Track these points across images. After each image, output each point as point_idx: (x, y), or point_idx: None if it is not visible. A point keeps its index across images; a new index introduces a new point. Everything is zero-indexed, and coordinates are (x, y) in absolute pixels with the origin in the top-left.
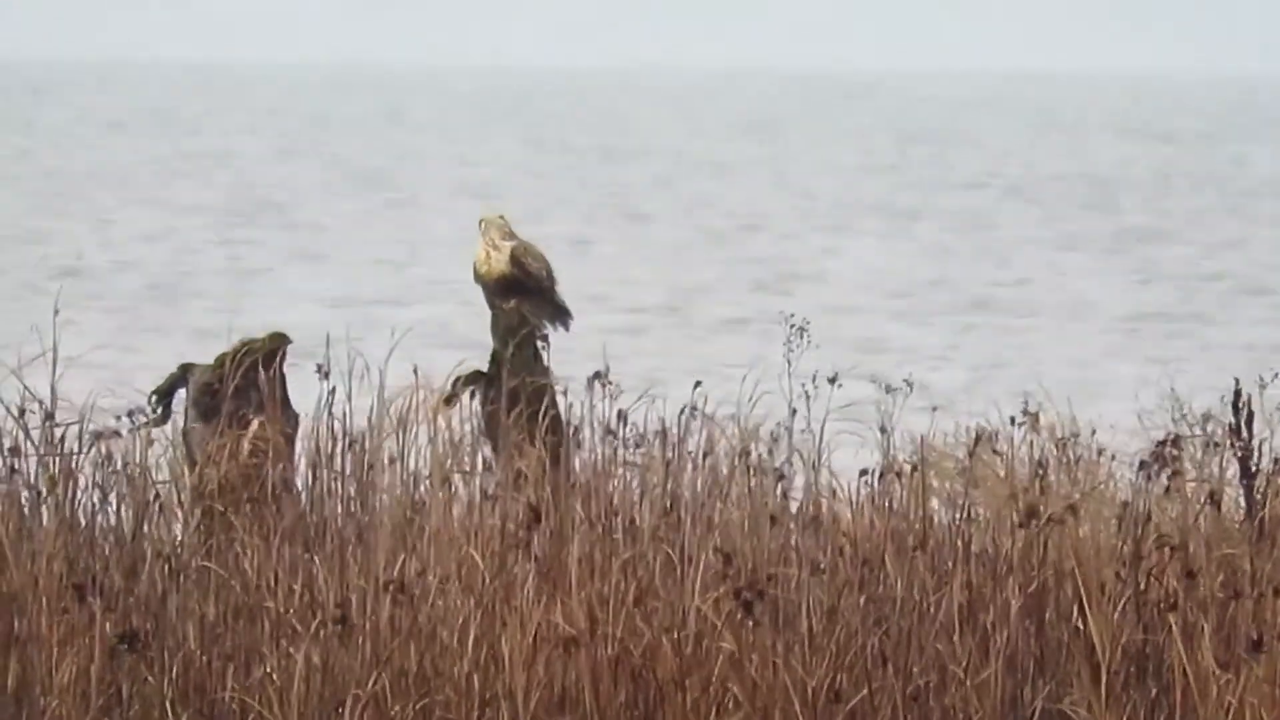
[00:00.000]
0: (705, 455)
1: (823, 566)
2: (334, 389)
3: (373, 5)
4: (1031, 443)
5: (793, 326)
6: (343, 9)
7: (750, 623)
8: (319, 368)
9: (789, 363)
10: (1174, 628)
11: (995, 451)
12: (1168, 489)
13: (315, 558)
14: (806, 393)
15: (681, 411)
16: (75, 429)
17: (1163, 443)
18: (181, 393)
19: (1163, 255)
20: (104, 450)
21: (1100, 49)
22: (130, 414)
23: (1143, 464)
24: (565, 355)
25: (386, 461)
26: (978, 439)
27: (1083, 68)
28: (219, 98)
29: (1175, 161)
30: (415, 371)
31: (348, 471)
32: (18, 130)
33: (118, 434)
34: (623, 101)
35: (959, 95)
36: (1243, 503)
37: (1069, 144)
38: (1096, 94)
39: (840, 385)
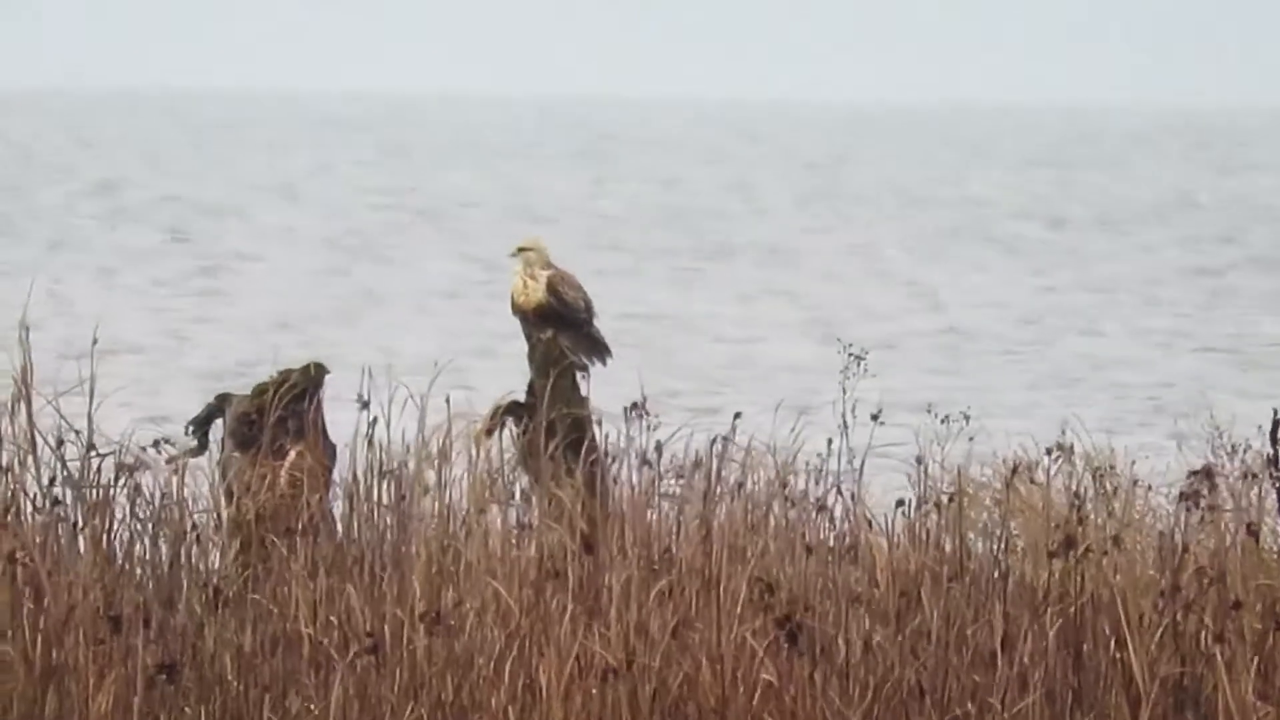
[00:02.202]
0: (739, 485)
1: (860, 597)
2: (374, 419)
3: None
4: (1070, 474)
5: (850, 355)
6: None
7: (787, 654)
8: (359, 397)
9: (844, 390)
10: (1214, 659)
11: (1033, 482)
12: (1201, 519)
13: (352, 587)
14: (845, 422)
15: (713, 441)
16: (113, 460)
17: (1198, 473)
18: (219, 423)
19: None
20: (140, 481)
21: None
22: (166, 443)
23: (1181, 495)
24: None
25: (423, 492)
26: (1014, 470)
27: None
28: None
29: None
30: (448, 401)
31: (385, 502)
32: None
33: (155, 465)
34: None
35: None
36: None
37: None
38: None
39: (882, 423)
